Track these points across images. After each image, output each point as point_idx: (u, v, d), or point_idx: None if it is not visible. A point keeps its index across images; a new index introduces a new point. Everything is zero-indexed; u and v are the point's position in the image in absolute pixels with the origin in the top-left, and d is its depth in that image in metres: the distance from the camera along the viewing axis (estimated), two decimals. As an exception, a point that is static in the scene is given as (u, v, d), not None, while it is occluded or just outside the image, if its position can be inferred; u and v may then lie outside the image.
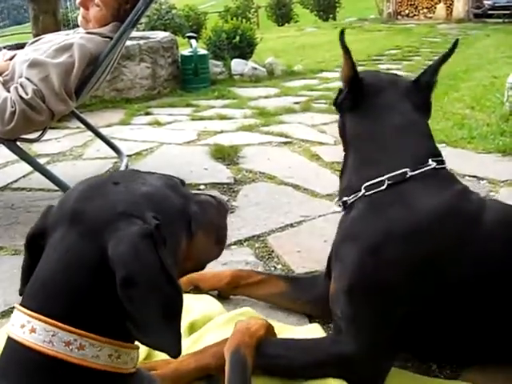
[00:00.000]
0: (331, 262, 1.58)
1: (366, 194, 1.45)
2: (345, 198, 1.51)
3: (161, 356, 1.49)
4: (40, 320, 0.79)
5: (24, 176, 3.23)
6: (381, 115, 1.52)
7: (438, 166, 1.47)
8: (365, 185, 1.45)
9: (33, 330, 0.79)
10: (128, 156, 3.36)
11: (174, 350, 0.82)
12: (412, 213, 1.39)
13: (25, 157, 2.57)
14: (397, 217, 1.40)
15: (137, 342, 0.90)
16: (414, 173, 1.43)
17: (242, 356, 1.29)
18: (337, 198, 1.64)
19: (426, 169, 1.44)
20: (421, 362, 1.51)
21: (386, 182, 1.43)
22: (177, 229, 0.92)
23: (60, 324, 0.79)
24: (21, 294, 0.90)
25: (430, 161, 1.46)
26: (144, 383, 0.92)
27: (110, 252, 0.79)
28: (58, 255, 0.82)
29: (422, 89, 1.62)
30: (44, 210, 0.92)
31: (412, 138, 1.50)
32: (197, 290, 1.84)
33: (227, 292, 1.84)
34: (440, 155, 1.51)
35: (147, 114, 5.04)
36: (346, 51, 1.52)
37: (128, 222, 0.82)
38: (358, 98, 1.55)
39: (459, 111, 4.49)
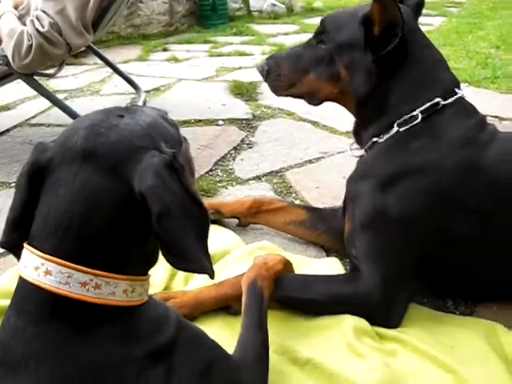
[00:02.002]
0: (346, 202, 1.57)
1: (400, 129, 1.41)
2: (374, 139, 1.47)
3: (178, 287, 1.54)
4: (55, 262, 0.79)
5: (42, 112, 3.23)
6: (414, 53, 1.42)
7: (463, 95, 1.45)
8: (398, 121, 1.42)
9: (48, 272, 0.79)
10: (146, 92, 3.34)
11: (211, 270, 0.84)
12: (434, 144, 1.37)
13: (43, 91, 2.55)
14: (418, 148, 1.38)
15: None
16: (445, 102, 1.40)
17: (259, 288, 1.31)
18: (353, 143, 1.62)
19: (455, 97, 1.42)
20: (437, 298, 1.52)
21: (420, 116, 1.39)
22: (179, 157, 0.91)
23: (75, 265, 0.79)
24: (4, 243, 0.88)
25: (457, 90, 1.44)
26: (159, 310, 0.93)
27: (138, 186, 0.78)
28: (71, 193, 0.80)
29: (416, 15, 1.53)
30: (35, 146, 0.86)
31: (436, 69, 1.45)
32: (218, 214, 1.85)
33: (247, 219, 1.85)
34: (459, 85, 1.48)
35: (164, 50, 4.97)
36: None
37: (147, 154, 0.81)
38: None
39: (483, 50, 4.35)
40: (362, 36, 1.41)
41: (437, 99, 1.39)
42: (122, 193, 0.80)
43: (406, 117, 1.40)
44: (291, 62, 1.56)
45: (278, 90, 1.60)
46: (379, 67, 1.41)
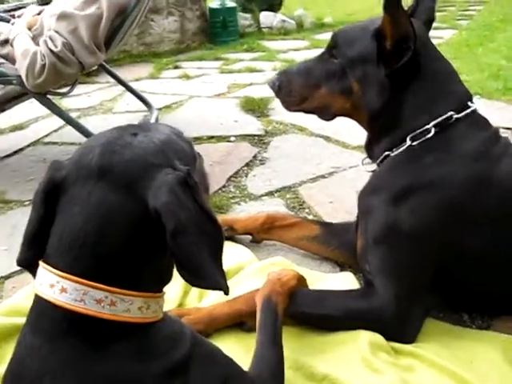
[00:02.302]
0: (359, 215, 1.57)
1: (413, 144, 1.41)
2: (386, 153, 1.46)
3: (192, 304, 1.54)
4: (70, 280, 0.79)
5: (55, 130, 3.26)
6: (427, 66, 1.42)
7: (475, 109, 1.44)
8: (410, 135, 1.41)
9: (63, 290, 0.79)
10: (158, 109, 3.36)
11: (226, 287, 0.84)
12: (447, 158, 1.37)
13: (56, 110, 2.58)
14: (430, 163, 1.37)
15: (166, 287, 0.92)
16: (458, 115, 1.40)
17: (274, 303, 1.31)
18: (365, 157, 1.62)
19: (468, 111, 1.42)
20: (452, 312, 1.50)
21: (433, 130, 1.39)
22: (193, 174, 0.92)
23: (91, 283, 0.79)
24: (21, 261, 0.88)
25: (470, 103, 1.44)
26: (174, 327, 0.93)
27: (152, 203, 0.79)
28: (86, 211, 0.81)
29: (427, 29, 1.53)
30: (51, 164, 0.87)
31: (449, 82, 1.45)
32: (231, 231, 1.85)
33: (261, 235, 1.85)
34: (472, 98, 1.48)
35: (176, 67, 5.01)
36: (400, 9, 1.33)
37: (161, 171, 0.82)
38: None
39: (494, 62, 4.35)
40: (374, 50, 1.41)
41: (450, 113, 1.39)
42: (137, 210, 0.80)
43: (418, 131, 1.40)
44: (302, 77, 1.56)
45: (289, 106, 1.60)
46: (392, 81, 1.41)
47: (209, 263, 0.81)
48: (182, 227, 0.78)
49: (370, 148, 1.57)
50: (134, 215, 0.81)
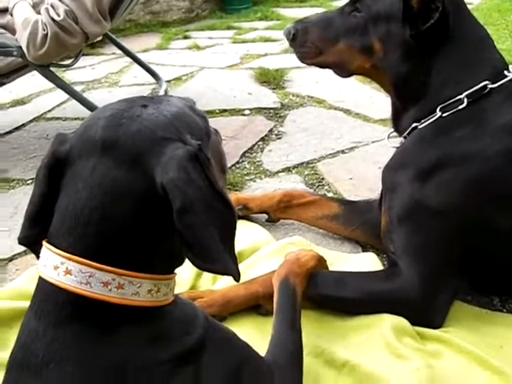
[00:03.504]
0: (382, 193, 1.56)
1: (443, 115, 1.38)
2: (414, 125, 1.45)
3: (205, 286, 1.55)
4: (75, 261, 0.79)
5: (58, 105, 3.27)
6: (458, 30, 1.40)
7: None
8: (440, 106, 1.39)
9: (68, 272, 0.79)
10: (167, 82, 3.35)
11: (237, 272, 0.83)
12: (480, 132, 1.34)
13: (59, 83, 2.57)
14: (461, 136, 1.35)
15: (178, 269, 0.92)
16: (494, 85, 1.37)
17: (292, 285, 1.30)
18: (391, 131, 1.60)
19: (505, 81, 1.38)
20: (482, 295, 1.50)
21: (466, 100, 1.36)
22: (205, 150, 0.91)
23: (97, 264, 0.79)
24: (23, 240, 0.88)
25: (506, 72, 1.40)
26: (186, 310, 0.93)
27: (160, 179, 0.78)
28: (89, 187, 0.80)
29: None
30: (55, 137, 0.86)
31: (483, 48, 1.42)
32: (246, 210, 1.85)
33: (277, 213, 1.85)
34: (508, 66, 1.44)
35: (185, 37, 4.98)
36: None
37: (171, 145, 0.81)
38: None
39: (528, 29, 4.28)
40: (400, 7, 1.38)
41: (484, 82, 1.36)
42: (144, 187, 0.79)
43: (449, 101, 1.37)
44: (320, 28, 1.53)
45: (304, 57, 1.58)
46: (418, 44, 1.38)
47: (219, 246, 0.80)
48: (190, 206, 0.77)
49: (397, 119, 1.55)
50: (141, 192, 0.80)
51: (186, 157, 0.79)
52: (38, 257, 0.85)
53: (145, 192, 0.80)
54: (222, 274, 0.84)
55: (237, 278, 0.83)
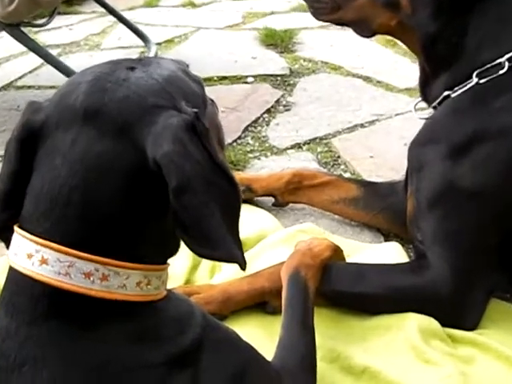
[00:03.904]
0: (408, 173, 1.56)
1: (481, 81, 1.38)
2: (446, 93, 1.44)
3: (203, 280, 1.55)
4: (52, 248, 0.78)
5: (30, 71, 3.25)
6: None
7: None
8: (477, 71, 1.38)
9: (44, 261, 0.78)
10: (157, 44, 3.33)
11: (242, 259, 0.83)
12: None
13: (31, 45, 2.56)
14: (502, 106, 1.35)
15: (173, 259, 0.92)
16: None
17: (303, 279, 1.30)
18: (418, 100, 1.61)
19: None
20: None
21: (507, 64, 1.36)
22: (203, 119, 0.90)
23: (77, 252, 0.78)
24: None
25: None
26: (181, 307, 0.93)
27: (152, 153, 0.77)
28: (69, 163, 0.79)
29: None
30: (27, 106, 0.85)
31: None
32: (250, 192, 1.85)
33: (286, 196, 1.85)
34: None
35: (178, -8, 4.96)
36: None
37: (164, 114, 0.80)
38: None
39: None
40: None
41: None
42: (133, 162, 0.79)
43: (487, 65, 1.37)
44: None
45: (318, 14, 1.57)
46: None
47: (222, 228, 0.79)
48: (188, 183, 0.77)
49: (426, 87, 1.55)
50: (129, 168, 0.79)
51: (181, 126, 0.79)
52: (7, 245, 0.85)
53: (134, 168, 0.79)
54: (225, 260, 0.85)
55: (243, 265, 0.83)
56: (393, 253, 1.59)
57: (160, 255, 0.89)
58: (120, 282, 0.81)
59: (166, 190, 0.77)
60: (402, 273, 1.40)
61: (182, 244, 0.85)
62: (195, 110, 0.83)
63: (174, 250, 0.91)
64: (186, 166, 0.77)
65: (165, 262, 0.91)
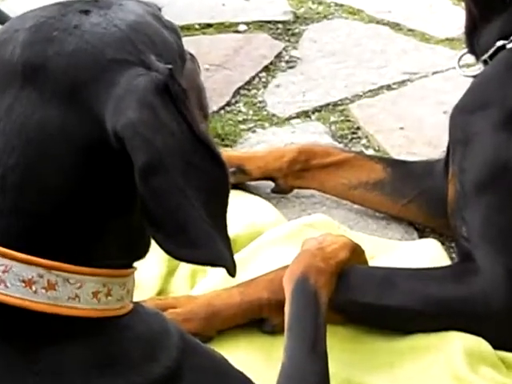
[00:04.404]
0: (450, 149, 1.57)
1: None
2: (500, 43, 1.45)
3: (180, 290, 1.55)
4: None
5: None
6: None
7: None
8: None
9: None
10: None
11: (231, 262, 0.81)
12: None
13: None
14: None
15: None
16: None
17: (312, 288, 1.31)
18: (464, 53, 1.62)
19: None
20: None
21: None
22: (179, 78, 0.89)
23: (15, 253, 0.77)
24: None
25: None
26: (152, 326, 0.91)
27: (112, 123, 0.76)
28: (5, 135, 0.79)
29: None
30: None
31: None
32: (242, 174, 1.85)
33: (289, 180, 1.85)
34: None
35: None
36: None
37: (128, 72, 0.79)
38: None
39: None
40: None
41: None
42: (87, 135, 0.78)
43: None
44: None
45: None
46: None
47: (204, 222, 0.78)
48: (160, 162, 0.76)
49: (474, 36, 1.56)
50: (82, 143, 0.79)
51: (151, 88, 0.78)
52: None
53: (89, 143, 0.79)
54: (209, 264, 0.84)
55: (232, 270, 0.81)
56: (429, 253, 1.59)
57: (124, 257, 0.88)
58: (71, 291, 0.80)
59: (131, 171, 0.76)
60: (441, 280, 1.41)
61: (154, 243, 0.84)
62: (169, 66, 0.82)
63: (142, 251, 0.91)
64: (157, 140, 0.76)
65: (130, 266, 0.90)
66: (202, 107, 1.00)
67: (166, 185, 0.76)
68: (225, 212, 0.83)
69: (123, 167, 0.77)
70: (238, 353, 1.33)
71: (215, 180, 0.81)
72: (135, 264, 0.91)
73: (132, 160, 0.75)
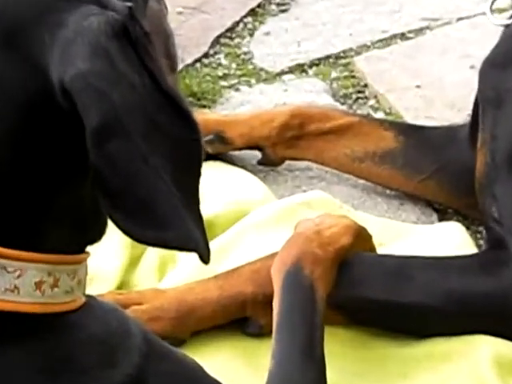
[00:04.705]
0: (478, 112, 1.57)
1: None
2: None
3: (146, 283, 1.56)
4: None
5: None
6: None
7: None
8: None
9: None
10: None
11: (204, 245, 0.81)
12: None
13: None
14: None
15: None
16: None
17: (307, 280, 1.31)
18: None
19: None
20: None
21: None
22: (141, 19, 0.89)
23: None
24: None
25: None
26: (110, 325, 0.91)
27: (58, 73, 0.76)
28: None
29: None
30: None
31: None
32: (222, 142, 1.85)
33: (279, 150, 1.85)
34: None
35: None
36: None
37: (77, 10, 0.78)
38: None
39: None
40: None
41: None
42: (28, 88, 0.79)
43: None
44: None
45: None
46: None
47: (172, 198, 0.78)
48: (117, 122, 0.75)
49: None
50: (22, 99, 0.79)
51: (106, 30, 0.77)
52: None
53: (30, 98, 0.79)
54: (178, 248, 0.83)
55: (205, 256, 0.81)
56: (451, 239, 1.60)
57: (74, 240, 0.88)
58: (9, 282, 0.80)
59: (82, 134, 0.76)
60: (466, 271, 1.41)
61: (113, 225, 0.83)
62: (128, 4, 0.81)
63: (97, 233, 0.91)
64: (114, 95, 0.76)
65: (82, 250, 0.90)
66: (170, 56, 1.00)
67: (124, 150, 0.76)
68: (197, 186, 0.83)
69: (73, 129, 0.77)
70: (216, 359, 1.34)
71: (185, 146, 0.81)
72: (89, 249, 0.91)
73: (83, 120, 0.75)
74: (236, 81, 2.25)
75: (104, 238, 0.92)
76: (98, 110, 0.75)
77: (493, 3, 1.60)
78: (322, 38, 2.41)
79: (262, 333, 1.37)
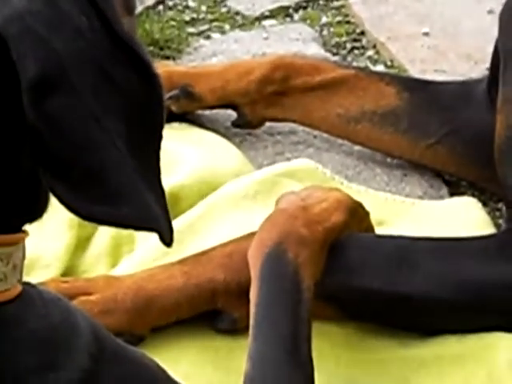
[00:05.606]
0: (498, 65, 1.57)
1: None
2: None
3: (98, 269, 1.56)
4: None
5: None
6: None
7: None
8: None
9: None
10: None
11: (166, 223, 0.81)
12: None
13: None
14: None
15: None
16: None
17: (291, 266, 1.31)
18: None
19: None
20: None
21: None
22: None
23: None
24: None
25: None
26: (54, 318, 0.91)
27: None
28: None
29: None
30: None
31: None
32: (191, 99, 1.84)
33: (258, 109, 1.86)
34: None
35: None
36: None
37: None
38: None
39: None
40: None
41: None
42: None
43: None
44: None
45: None
46: None
47: (127, 166, 0.78)
48: (60, 73, 0.75)
49: None
50: None
51: None
52: None
53: None
54: (134, 226, 0.82)
55: (166, 235, 0.81)
56: (465, 217, 1.60)
57: (9, 217, 0.88)
58: None
59: (17, 88, 0.76)
60: (482, 256, 1.41)
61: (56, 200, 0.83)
62: None
63: (37, 209, 0.90)
64: (56, 41, 0.75)
65: (19, 229, 0.89)
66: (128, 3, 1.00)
67: (68, 108, 0.75)
68: (157, 153, 0.83)
69: (5, 82, 0.77)
70: (181, 360, 1.34)
71: (143, 104, 0.81)
72: (27, 228, 0.91)
73: (18, 71, 0.75)
74: (206, 27, 2.26)
75: (46, 215, 0.91)
76: (36, 59, 0.74)
77: None
78: (310, -25, 2.43)
79: (236, 328, 1.37)
